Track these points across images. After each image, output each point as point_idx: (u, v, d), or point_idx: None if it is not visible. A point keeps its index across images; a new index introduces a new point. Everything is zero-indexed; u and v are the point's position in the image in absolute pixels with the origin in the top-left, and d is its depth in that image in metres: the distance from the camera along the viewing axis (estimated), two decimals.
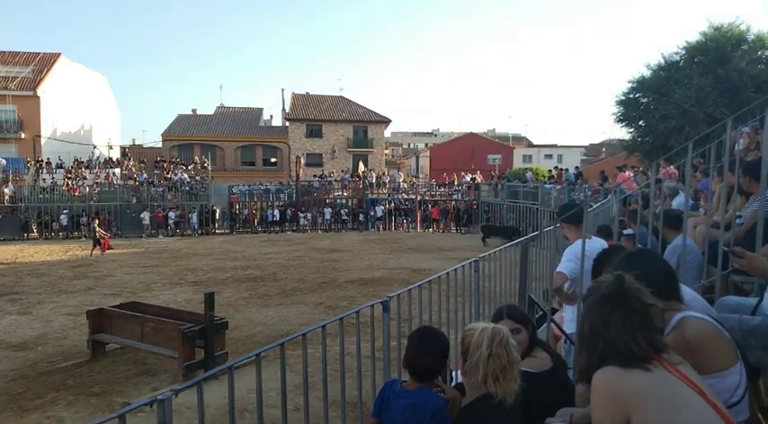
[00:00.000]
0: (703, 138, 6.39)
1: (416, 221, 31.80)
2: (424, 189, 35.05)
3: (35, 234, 28.86)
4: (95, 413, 7.37)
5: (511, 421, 2.34)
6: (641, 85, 25.59)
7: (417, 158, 67.36)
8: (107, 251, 22.35)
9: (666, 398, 1.65)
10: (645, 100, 25.72)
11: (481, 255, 4.92)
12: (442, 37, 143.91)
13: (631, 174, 18.87)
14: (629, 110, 26.07)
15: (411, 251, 22.08)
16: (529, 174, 30.25)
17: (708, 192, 5.26)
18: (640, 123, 26.04)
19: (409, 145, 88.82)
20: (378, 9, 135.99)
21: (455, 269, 4.51)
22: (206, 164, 35.39)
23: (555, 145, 68.21)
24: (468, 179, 33.33)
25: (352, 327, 3.48)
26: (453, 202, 32.18)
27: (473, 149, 57.31)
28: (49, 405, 7.65)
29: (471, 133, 63.84)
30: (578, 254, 4.16)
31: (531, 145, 72.64)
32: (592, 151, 69.30)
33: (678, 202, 6.61)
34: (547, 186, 23.96)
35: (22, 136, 36.75)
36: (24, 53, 39.75)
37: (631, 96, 26.12)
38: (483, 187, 31.66)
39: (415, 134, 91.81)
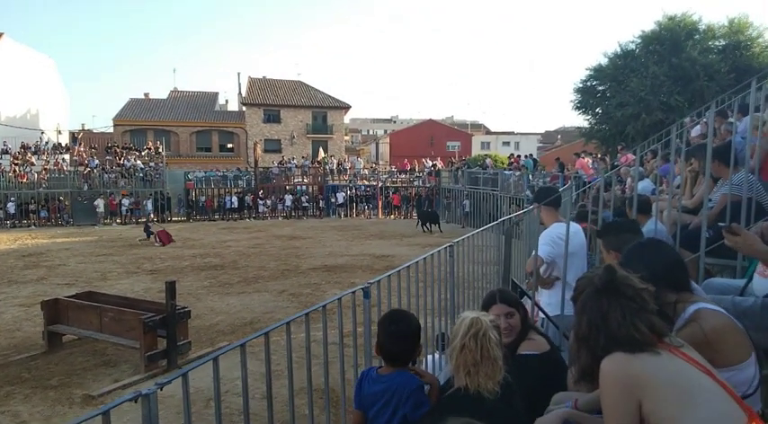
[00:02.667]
0: (657, 124, 6.58)
1: (378, 208, 31.80)
2: (384, 176, 35.05)
3: None
4: (54, 406, 7.11)
5: (492, 419, 2.13)
6: (598, 73, 26.13)
7: (377, 144, 67.29)
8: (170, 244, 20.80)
9: (677, 380, 1.65)
10: (602, 87, 26.29)
11: (456, 240, 4.91)
12: (401, 24, 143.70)
13: (589, 161, 19.31)
14: (587, 97, 26.62)
15: (373, 238, 22.08)
16: (488, 161, 30.59)
17: (670, 177, 5.38)
18: (597, 110, 26.64)
19: (368, 131, 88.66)
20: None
21: (431, 255, 4.49)
22: (160, 150, 34.41)
23: (512, 133, 69.20)
24: (430, 165, 33.48)
25: (322, 315, 3.40)
26: (414, 188, 32.30)
27: (432, 136, 57.60)
28: (3, 399, 7.33)
29: (430, 120, 64.09)
30: (554, 238, 4.20)
31: (489, 132, 73.50)
32: (548, 138, 70.72)
33: (642, 187, 6.76)
34: (506, 172, 24.27)
35: None
36: None
37: (589, 84, 26.65)
38: (443, 173, 31.87)
39: (374, 120, 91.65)
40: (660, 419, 1.62)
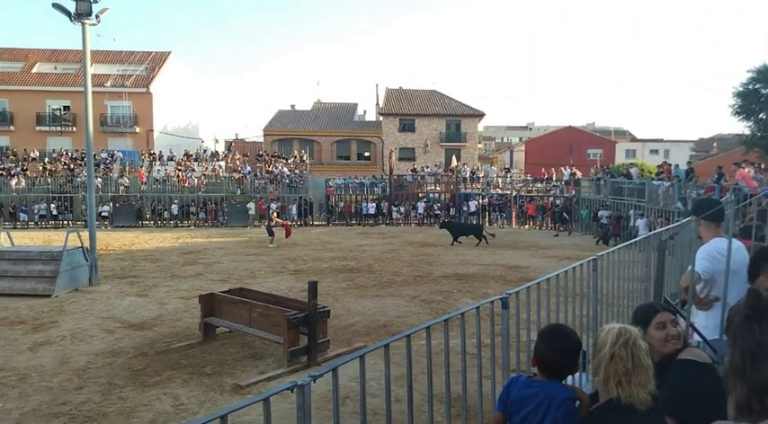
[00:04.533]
0: None
1: (511, 217, 31.12)
2: (519, 185, 34.23)
3: (149, 222, 31.02)
4: (207, 392, 7.79)
5: None
6: (763, 76, 23.56)
7: (511, 152, 65.89)
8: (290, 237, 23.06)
9: None
10: (767, 91, 23.73)
11: (600, 253, 4.69)
12: (540, 29, 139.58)
13: (751, 171, 17.43)
14: (749, 102, 24.16)
15: (506, 248, 21.65)
16: (634, 170, 28.69)
17: None
18: (761, 116, 24.04)
19: (503, 139, 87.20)
20: (472, 4, 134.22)
21: (573, 268, 4.32)
22: (304, 158, 36.52)
23: (661, 140, 64.32)
24: (568, 173, 32.12)
25: (461, 322, 3.41)
26: (551, 198, 31.18)
27: (571, 143, 55.26)
28: (166, 382, 8.17)
29: (569, 127, 61.57)
30: (713, 254, 3.86)
31: (634, 139, 68.98)
32: (702, 146, 64.72)
33: None
34: (654, 182, 22.61)
35: (137, 130, 39.60)
36: (138, 52, 42.61)
37: (752, 87, 24.15)
38: (583, 183, 30.41)
39: (509, 127, 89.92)
40: None
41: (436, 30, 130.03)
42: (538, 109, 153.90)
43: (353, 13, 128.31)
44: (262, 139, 46.47)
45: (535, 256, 19.40)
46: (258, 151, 40.32)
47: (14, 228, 25.38)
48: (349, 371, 5.34)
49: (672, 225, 6.11)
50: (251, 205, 31.05)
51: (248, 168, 34.58)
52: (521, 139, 76.80)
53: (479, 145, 54.64)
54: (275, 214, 25.54)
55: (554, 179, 33.39)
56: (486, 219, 31.51)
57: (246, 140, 50.45)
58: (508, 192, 32.55)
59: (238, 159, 36.56)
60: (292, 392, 2.33)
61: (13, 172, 32.22)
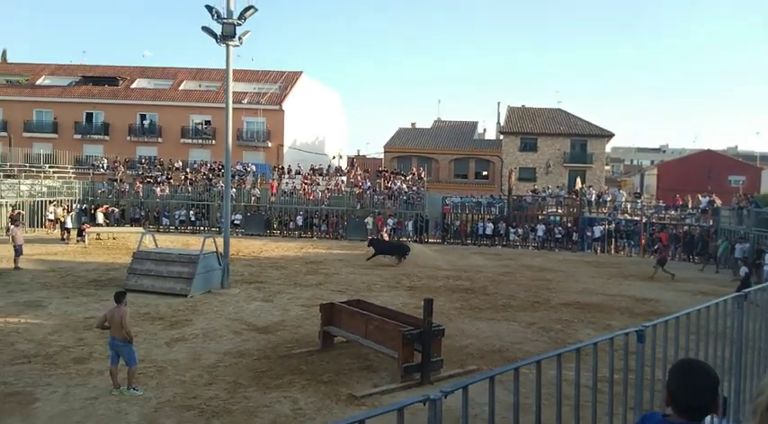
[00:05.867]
0: None
1: (640, 245, 29.16)
2: (650, 211, 32.07)
3: (275, 232, 32.78)
4: (324, 400, 8.06)
5: None
6: None
7: (642, 176, 61.98)
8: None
9: None
10: None
11: (747, 290, 4.29)
12: (675, 46, 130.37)
13: None
14: None
15: (633, 278, 20.35)
16: None
17: None
18: None
19: (632, 161, 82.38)
20: (599, 22, 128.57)
21: (716, 305, 3.99)
22: (422, 175, 36.87)
23: None
24: (706, 201, 29.58)
25: (593, 353, 3.24)
26: (686, 227, 28.87)
27: (710, 168, 50.96)
28: (286, 386, 8.57)
29: (708, 150, 56.95)
30: None
31: None
32: None
33: None
34: None
35: (269, 145, 42.12)
36: (273, 71, 45.44)
37: None
38: (723, 212, 27.86)
39: (639, 149, 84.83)
40: None
41: (560, 48, 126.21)
42: (672, 130, 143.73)
43: (478, 31, 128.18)
44: (382, 156, 47.58)
45: (666, 288, 18.09)
46: (378, 167, 41.31)
47: (157, 231, 27.92)
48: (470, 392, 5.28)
49: None
50: (368, 219, 31.82)
51: (368, 183, 35.53)
52: (652, 162, 72.08)
53: (606, 167, 52.00)
54: (385, 231, 25.74)
55: (689, 206, 30.90)
56: (612, 246, 29.81)
57: (367, 157, 51.92)
58: (638, 218, 30.61)
59: (359, 175, 37.70)
60: (424, 405, 2.36)
61: (159, 180, 35.59)
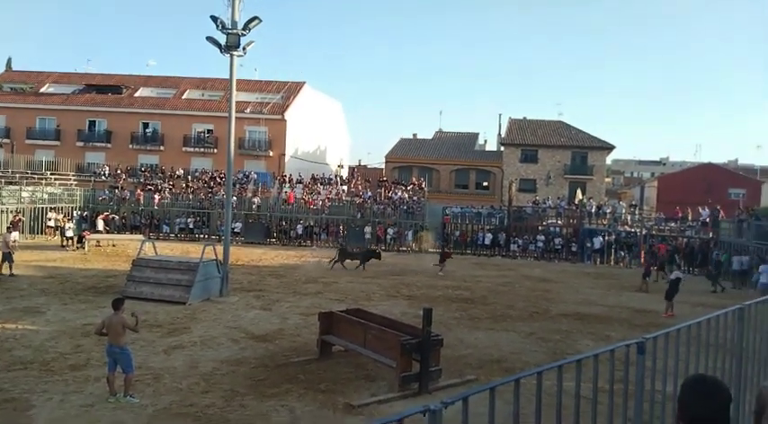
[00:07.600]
0: None
1: (639, 257, 29.12)
2: (650, 223, 32.04)
3: (275, 240, 32.73)
4: (322, 409, 8.01)
5: None
6: None
7: (642, 188, 62.02)
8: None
9: None
10: None
11: (747, 303, 4.27)
12: (674, 56, 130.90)
13: None
14: None
15: (632, 289, 20.31)
16: None
17: None
18: None
19: (633, 173, 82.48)
20: (601, 36, 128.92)
21: (716, 317, 3.97)
22: (423, 186, 36.89)
23: None
24: (706, 214, 29.53)
25: (593, 364, 3.21)
26: (685, 239, 28.83)
27: (710, 181, 51.01)
28: (283, 394, 8.52)
29: (709, 163, 57.04)
30: None
31: None
32: None
33: None
34: None
35: (270, 154, 42.19)
36: (275, 82, 45.60)
37: None
38: (723, 224, 27.84)
39: (640, 162, 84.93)
40: None
41: (564, 59, 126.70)
42: (672, 142, 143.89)
43: (481, 43, 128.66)
44: (383, 166, 47.64)
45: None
46: (379, 177, 41.34)
47: (157, 239, 27.85)
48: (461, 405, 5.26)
49: None
50: (368, 228, 31.78)
51: (369, 193, 35.54)
52: (653, 174, 72.18)
53: (607, 179, 52.01)
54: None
55: (689, 218, 30.87)
56: (612, 257, 29.77)
57: (369, 166, 51.97)
58: (637, 230, 30.59)
59: (360, 184, 37.70)
60: (424, 416, 2.34)
61: (159, 188, 35.57)
